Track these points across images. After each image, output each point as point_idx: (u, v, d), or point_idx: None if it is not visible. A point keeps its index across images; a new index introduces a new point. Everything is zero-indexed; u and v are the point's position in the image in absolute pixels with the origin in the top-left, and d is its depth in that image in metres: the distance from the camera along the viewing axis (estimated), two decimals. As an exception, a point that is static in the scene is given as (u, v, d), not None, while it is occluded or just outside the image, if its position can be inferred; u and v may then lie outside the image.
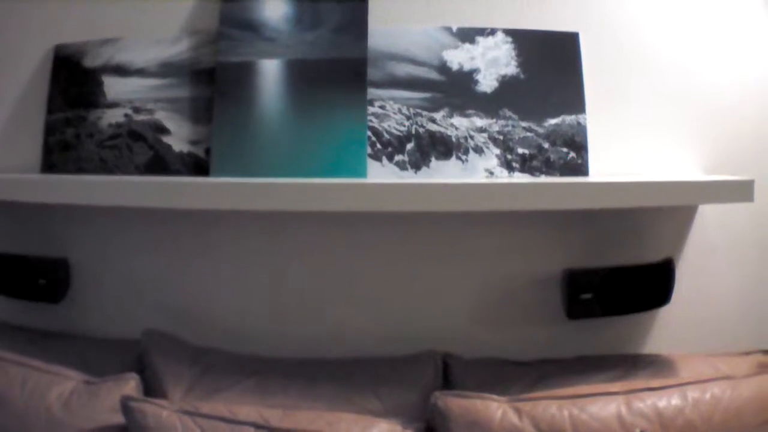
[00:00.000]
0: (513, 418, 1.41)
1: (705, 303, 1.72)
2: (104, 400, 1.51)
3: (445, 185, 1.48)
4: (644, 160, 1.71)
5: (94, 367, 1.60)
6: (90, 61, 1.76)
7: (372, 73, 1.66)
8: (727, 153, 1.71)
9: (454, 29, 1.69)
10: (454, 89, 1.67)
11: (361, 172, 1.62)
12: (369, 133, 1.65)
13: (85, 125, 1.74)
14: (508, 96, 1.67)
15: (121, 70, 1.74)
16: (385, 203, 1.49)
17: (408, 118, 1.67)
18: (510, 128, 1.67)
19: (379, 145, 1.66)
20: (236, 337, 1.71)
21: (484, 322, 1.72)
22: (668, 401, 1.43)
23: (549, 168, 1.66)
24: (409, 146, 1.67)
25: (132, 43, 1.74)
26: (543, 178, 1.64)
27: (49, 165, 1.76)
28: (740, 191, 1.50)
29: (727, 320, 1.73)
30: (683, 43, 1.71)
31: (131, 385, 1.54)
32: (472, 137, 1.66)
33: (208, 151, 1.67)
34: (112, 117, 1.73)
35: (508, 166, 1.66)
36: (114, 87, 1.74)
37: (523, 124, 1.67)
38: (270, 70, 1.67)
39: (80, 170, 1.73)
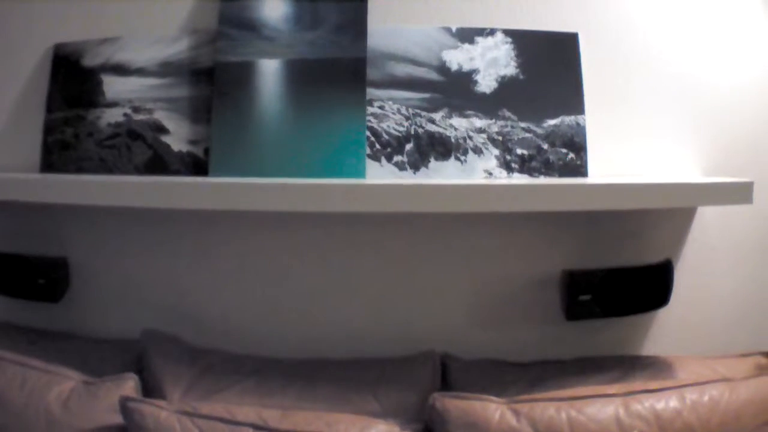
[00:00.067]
0: (511, 419, 1.41)
1: (704, 305, 1.72)
2: (103, 400, 1.51)
3: (444, 186, 1.47)
4: (643, 162, 1.71)
5: (93, 367, 1.60)
6: (89, 61, 1.75)
7: (371, 73, 1.66)
8: (726, 154, 1.71)
9: (454, 29, 1.69)
10: (454, 90, 1.67)
11: (360, 173, 1.62)
12: (368, 133, 1.65)
13: (85, 124, 1.74)
14: (508, 96, 1.67)
15: (121, 70, 1.74)
16: (384, 204, 1.48)
17: (407, 118, 1.67)
18: (509, 129, 1.66)
19: (378, 146, 1.66)
20: (235, 338, 1.71)
21: (482, 323, 1.72)
22: (666, 403, 1.43)
23: (548, 169, 1.66)
24: (408, 147, 1.66)
25: (131, 43, 1.74)
26: (542, 179, 1.63)
27: (48, 164, 1.75)
28: (739, 193, 1.50)
29: (726, 322, 1.73)
30: (683, 45, 1.71)
31: (130, 385, 1.54)
32: (471, 138, 1.66)
33: (207, 151, 1.67)
34: (112, 116, 1.73)
35: (507, 166, 1.66)
36: (113, 86, 1.74)
37: (523, 124, 1.66)
38: (269, 70, 1.66)
39: (79, 170, 1.73)
